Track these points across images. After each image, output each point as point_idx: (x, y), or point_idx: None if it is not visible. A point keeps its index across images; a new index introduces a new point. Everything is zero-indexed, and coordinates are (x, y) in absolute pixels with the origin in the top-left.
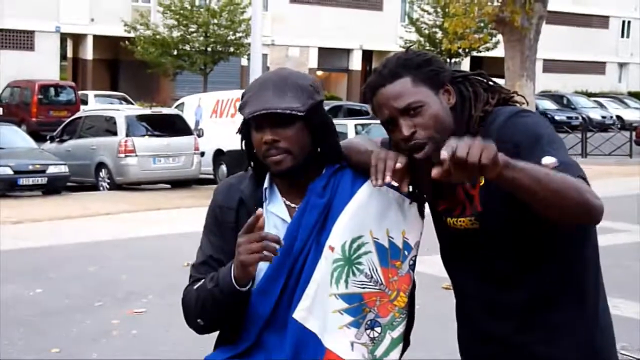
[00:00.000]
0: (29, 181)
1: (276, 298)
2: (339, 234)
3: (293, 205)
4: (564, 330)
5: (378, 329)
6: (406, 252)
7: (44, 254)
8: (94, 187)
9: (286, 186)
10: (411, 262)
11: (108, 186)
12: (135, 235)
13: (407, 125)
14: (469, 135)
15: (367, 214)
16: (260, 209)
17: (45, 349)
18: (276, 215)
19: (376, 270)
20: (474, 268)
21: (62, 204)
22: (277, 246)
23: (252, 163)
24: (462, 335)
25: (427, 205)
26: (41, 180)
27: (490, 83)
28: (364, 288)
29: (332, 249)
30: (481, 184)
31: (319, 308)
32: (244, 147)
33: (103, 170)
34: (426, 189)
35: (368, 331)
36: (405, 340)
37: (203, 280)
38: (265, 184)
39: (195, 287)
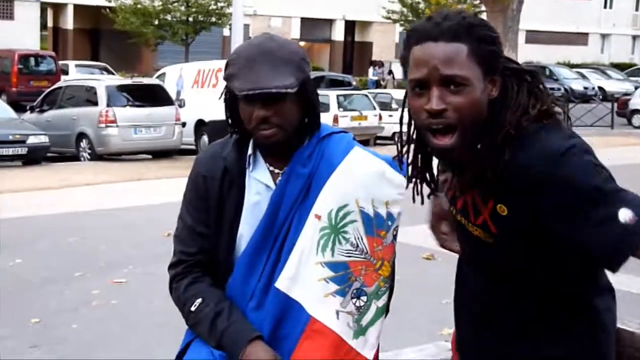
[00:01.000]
0: (9, 151)
1: (261, 270)
2: (325, 203)
3: (277, 170)
4: (568, 338)
5: (364, 298)
6: (390, 222)
7: (23, 224)
8: (75, 158)
9: (270, 152)
10: (394, 232)
11: (89, 157)
12: (116, 206)
13: (439, 98)
14: (491, 145)
15: (352, 183)
16: None
17: (25, 319)
18: (260, 181)
19: (362, 239)
20: (483, 271)
21: (42, 174)
22: None
23: (236, 129)
24: (462, 335)
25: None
26: (21, 150)
27: (540, 87)
28: (350, 257)
29: (318, 217)
30: (503, 213)
31: (303, 276)
32: (228, 115)
33: (84, 140)
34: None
35: (354, 300)
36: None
37: (202, 305)
38: (249, 150)
39: (194, 307)
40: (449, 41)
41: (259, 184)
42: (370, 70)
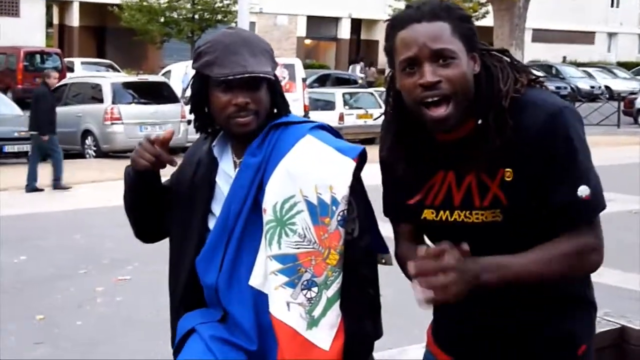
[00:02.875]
0: (14, 148)
1: (219, 264)
2: (270, 195)
3: (239, 160)
4: (571, 305)
5: (315, 289)
6: (334, 208)
7: (28, 221)
8: (80, 155)
9: (236, 142)
10: (339, 217)
11: (94, 154)
12: (122, 203)
13: (432, 72)
14: (496, 111)
15: (297, 173)
16: (171, 130)
17: (30, 315)
18: (225, 171)
19: (309, 229)
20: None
21: (46, 171)
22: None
23: (201, 121)
24: (449, 330)
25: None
26: (27, 147)
27: (518, 62)
28: (298, 248)
29: (264, 210)
30: (509, 179)
31: (266, 272)
32: (194, 108)
33: (89, 137)
34: (412, 176)
35: (305, 291)
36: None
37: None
38: (214, 142)
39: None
40: (431, 20)
41: (226, 174)
42: (358, 67)
